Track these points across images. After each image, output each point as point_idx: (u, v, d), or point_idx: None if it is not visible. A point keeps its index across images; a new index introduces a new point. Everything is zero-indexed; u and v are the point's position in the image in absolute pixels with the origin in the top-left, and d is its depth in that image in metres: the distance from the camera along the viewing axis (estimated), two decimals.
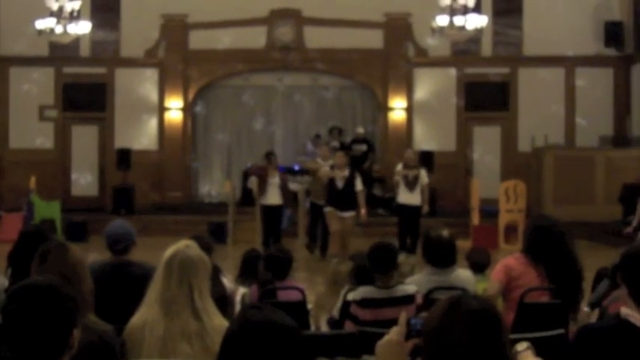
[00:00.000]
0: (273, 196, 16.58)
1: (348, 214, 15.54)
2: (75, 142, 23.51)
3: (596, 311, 6.40)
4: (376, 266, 6.53)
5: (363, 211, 15.70)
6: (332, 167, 15.88)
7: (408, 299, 6.40)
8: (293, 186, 18.28)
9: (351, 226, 15.68)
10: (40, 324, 3.05)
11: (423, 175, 16.14)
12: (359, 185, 15.56)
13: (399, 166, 16.44)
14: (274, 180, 16.60)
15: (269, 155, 17.24)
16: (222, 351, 2.88)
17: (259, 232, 17.29)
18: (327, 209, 15.65)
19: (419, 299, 6.43)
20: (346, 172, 15.60)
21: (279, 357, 2.80)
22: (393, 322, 3.19)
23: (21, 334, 3.04)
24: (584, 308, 6.72)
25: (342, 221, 15.47)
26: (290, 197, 17.38)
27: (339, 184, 15.46)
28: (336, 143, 21.84)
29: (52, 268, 4.26)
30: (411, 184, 15.92)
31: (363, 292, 6.46)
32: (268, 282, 7.43)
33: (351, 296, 6.59)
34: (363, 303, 6.37)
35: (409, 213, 15.98)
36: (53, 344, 3.07)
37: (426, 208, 16.09)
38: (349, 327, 6.31)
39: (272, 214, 16.63)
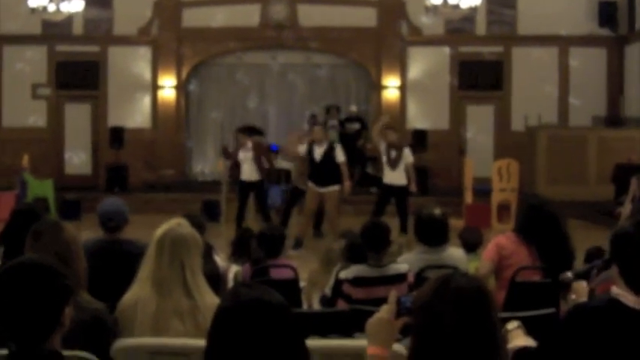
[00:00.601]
0: (246, 171, 15.85)
1: (329, 188, 15.04)
2: (68, 121, 23.46)
3: (582, 284, 6.41)
4: (369, 244, 6.54)
5: (346, 184, 15.38)
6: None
7: (400, 278, 6.43)
8: (285, 164, 18.20)
9: (334, 201, 15.17)
10: (31, 302, 3.06)
11: (407, 154, 15.61)
12: (340, 157, 14.94)
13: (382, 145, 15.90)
14: (247, 154, 15.86)
15: (252, 132, 16.97)
16: (213, 329, 2.90)
17: (252, 210, 17.15)
18: (308, 184, 15.23)
19: (411, 278, 6.45)
20: (324, 146, 15.14)
21: (269, 335, 2.81)
22: (385, 301, 3.20)
23: (12, 311, 3.05)
24: (568, 273, 6.69)
25: (321, 197, 15.06)
26: (267, 172, 16.63)
27: (317, 156, 15.03)
28: (334, 122, 21.82)
29: (45, 246, 4.27)
30: (394, 162, 15.45)
31: (355, 270, 6.47)
32: (260, 260, 7.45)
33: (343, 275, 6.61)
34: (356, 281, 6.39)
35: (395, 193, 15.50)
36: (44, 322, 3.08)
37: (413, 187, 15.59)
38: (342, 306, 6.33)
39: (247, 190, 16.00)
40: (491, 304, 2.88)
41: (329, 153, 15.03)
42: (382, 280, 6.36)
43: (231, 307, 2.88)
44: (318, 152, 15.07)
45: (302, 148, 15.38)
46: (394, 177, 15.33)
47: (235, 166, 16.54)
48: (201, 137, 24.03)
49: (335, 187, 15.12)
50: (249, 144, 16.01)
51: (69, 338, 3.25)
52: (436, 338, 2.81)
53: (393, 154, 15.34)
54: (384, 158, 15.45)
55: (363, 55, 23.20)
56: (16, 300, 3.06)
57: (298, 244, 14.89)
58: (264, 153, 16.22)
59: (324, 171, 15.00)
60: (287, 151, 16.59)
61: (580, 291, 6.38)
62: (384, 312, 3.15)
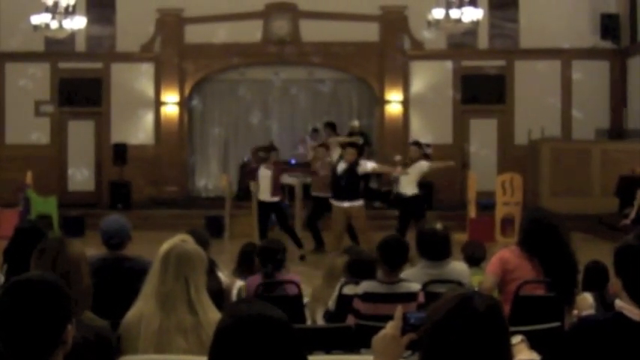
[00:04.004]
0: (263, 191, 16.02)
1: (354, 204, 14.97)
2: (71, 138, 23.50)
3: (585, 298, 6.39)
4: (386, 260, 6.47)
5: (398, 169, 15.41)
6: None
7: (410, 297, 6.34)
8: (289, 180, 18.17)
9: (361, 216, 15.04)
10: (33, 319, 3.05)
11: (423, 165, 15.64)
12: (367, 167, 15.21)
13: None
14: (266, 172, 16.00)
15: (269, 150, 17.02)
16: (213, 345, 2.89)
17: (256, 226, 17.23)
18: (333, 202, 15.16)
19: (421, 297, 6.39)
20: (346, 164, 15.04)
21: (269, 350, 2.79)
22: (392, 318, 3.19)
23: (14, 328, 3.04)
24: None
25: (346, 213, 14.95)
26: (280, 190, 16.70)
27: (339, 170, 14.96)
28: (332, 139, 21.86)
29: (50, 264, 4.25)
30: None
31: (365, 286, 6.43)
32: (271, 274, 7.42)
33: (351, 290, 6.60)
34: (365, 297, 6.35)
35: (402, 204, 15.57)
36: (46, 340, 3.07)
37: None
38: (351, 321, 6.29)
39: (263, 209, 16.11)
40: (506, 328, 2.85)
41: (351, 169, 14.97)
42: (392, 297, 6.29)
43: (231, 323, 2.86)
44: (341, 167, 15.06)
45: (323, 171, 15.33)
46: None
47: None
48: (204, 153, 24.06)
49: (360, 202, 15.08)
50: (270, 164, 16.13)
51: (72, 356, 3.24)
52: (447, 356, 2.78)
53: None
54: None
55: (365, 70, 23.23)
56: (17, 317, 3.05)
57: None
58: (279, 170, 16.34)
59: (344, 185, 14.94)
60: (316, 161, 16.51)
61: (583, 305, 6.37)
62: (390, 328, 3.14)
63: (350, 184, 15.00)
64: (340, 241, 14.89)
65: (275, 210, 16.14)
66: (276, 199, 16.04)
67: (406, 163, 15.80)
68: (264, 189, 16.02)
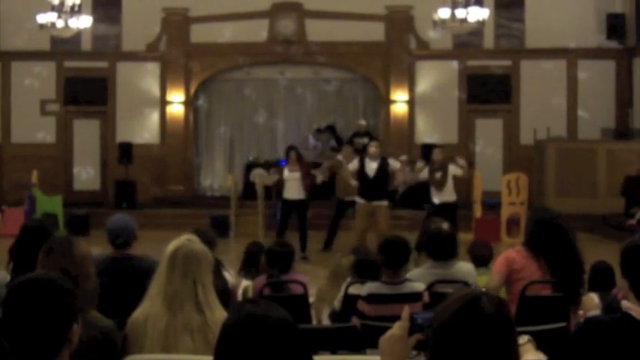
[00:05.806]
0: (292, 190, 16.03)
1: (380, 202, 14.90)
2: (77, 136, 23.50)
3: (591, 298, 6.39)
4: (387, 260, 6.46)
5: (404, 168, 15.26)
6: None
7: (415, 297, 6.33)
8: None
9: (385, 217, 14.91)
10: (39, 318, 3.06)
11: (453, 170, 15.48)
12: (396, 165, 14.93)
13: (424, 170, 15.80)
14: (294, 175, 15.98)
15: (288, 150, 16.98)
16: (219, 345, 2.89)
17: (261, 225, 17.25)
18: (358, 200, 15.11)
19: (426, 297, 6.38)
20: (377, 161, 14.95)
21: (274, 351, 2.79)
22: (397, 319, 3.18)
23: (20, 328, 3.05)
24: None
25: (372, 214, 14.86)
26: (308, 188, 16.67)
27: (370, 173, 14.87)
28: (333, 142, 21.91)
29: (57, 263, 4.25)
30: (439, 184, 15.36)
31: (369, 287, 6.41)
32: (274, 275, 7.42)
33: (355, 290, 6.58)
34: (369, 298, 6.33)
35: (446, 210, 15.17)
36: (52, 339, 3.07)
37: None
38: (355, 323, 6.28)
39: (292, 208, 16.19)
40: (514, 330, 2.84)
41: (383, 168, 14.89)
42: (396, 297, 6.27)
43: (237, 322, 2.86)
44: (371, 168, 14.93)
45: (353, 165, 15.21)
46: (444, 195, 15.21)
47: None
48: (209, 152, 24.04)
49: (385, 202, 15.01)
50: (296, 166, 16.08)
51: (78, 355, 3.24)
52: (455, 357, 2.77)
53: (439, 175, 15.23)
54: (429, 181, 15.30)
55: (371, 70, 23.20)
56: (23, 316, 3.05)
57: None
58: (307, 170, 16.32)
59: (375, 187, 14.86)
60: (345, 172, 16.27)
61: (589, 305, 6.36)
62: (397, 328, 3.13)
63: (379, 183, 14.90)
64: (363, 238, 14.78)
65: (300, 207, 16.17)
66: (303, 197, 16.09)
67: (434, 169, 15.60)
68: (292, 190, 16.03)
